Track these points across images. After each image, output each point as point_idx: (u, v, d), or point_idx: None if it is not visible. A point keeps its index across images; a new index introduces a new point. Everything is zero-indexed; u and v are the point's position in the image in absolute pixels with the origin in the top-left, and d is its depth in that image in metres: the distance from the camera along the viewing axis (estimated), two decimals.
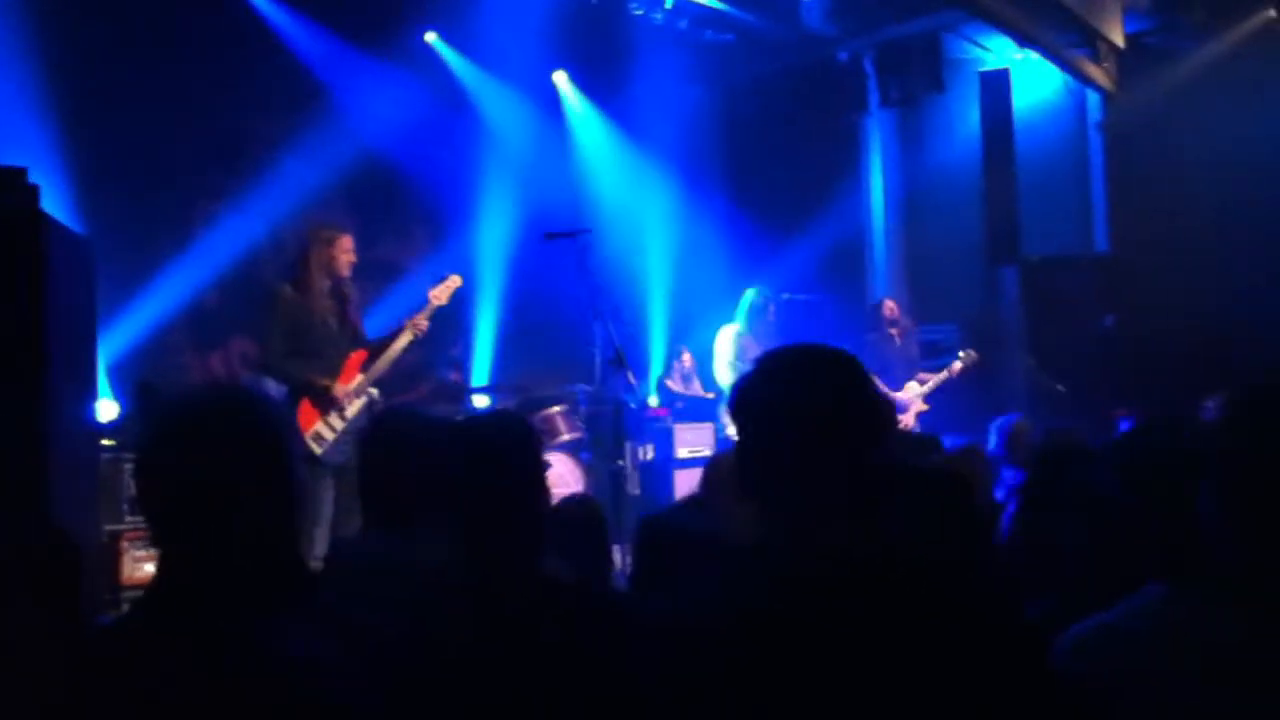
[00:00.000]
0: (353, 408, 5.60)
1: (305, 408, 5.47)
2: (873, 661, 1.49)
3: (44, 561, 1.91)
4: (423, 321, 5.78)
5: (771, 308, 7.77)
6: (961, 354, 8.19)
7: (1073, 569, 2.19)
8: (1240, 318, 8.12)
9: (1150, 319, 8.89)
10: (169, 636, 1.55)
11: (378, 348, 5.75)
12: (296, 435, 5.28)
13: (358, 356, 5.72)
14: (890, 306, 8.36)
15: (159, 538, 1.63)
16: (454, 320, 5.82)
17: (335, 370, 5.60)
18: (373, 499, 2.78)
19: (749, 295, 7.79)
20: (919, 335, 8.81)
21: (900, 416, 7.86)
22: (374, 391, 5.70)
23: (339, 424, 5.51)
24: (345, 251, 5.69)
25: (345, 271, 5.70)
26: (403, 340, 5.74)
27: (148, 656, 1.54)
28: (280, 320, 5.53)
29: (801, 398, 1.64)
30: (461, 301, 6.00)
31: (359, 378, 5.67)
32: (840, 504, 1.61)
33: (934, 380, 8.10)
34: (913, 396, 8.01)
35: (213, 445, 1.60)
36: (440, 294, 5.88)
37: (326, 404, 5.50)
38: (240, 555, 1.59)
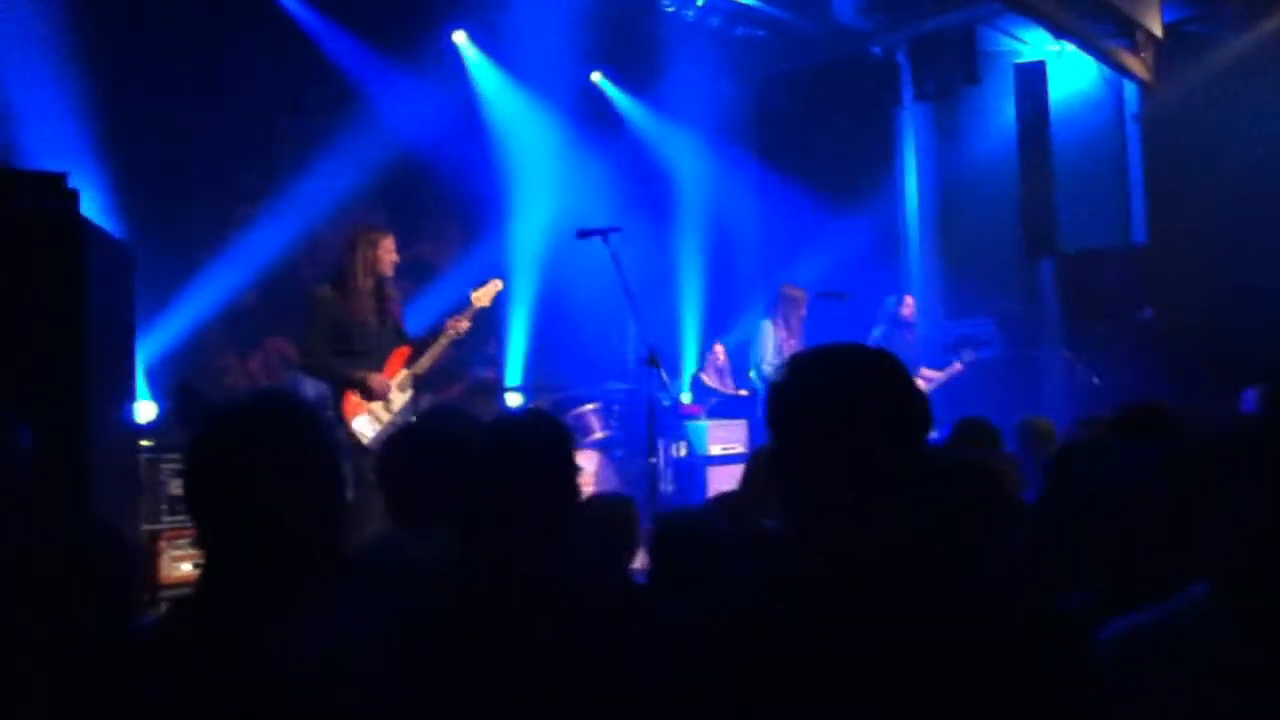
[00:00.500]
0: (398, 400, 5.65)
1: (350, 400, 5.53)
2: (903, 657, 1.49)
3: (95, 559, 1.95)
4: (464, 323, 5.82)
5: (804, 302, 7.74)
6: (963, 354, 8.29)
7: (1102, 562, 2.17)
8: (1276, 309, 8.00)
9: (1188, 311, 8.79)
10: (205, 637, 1.58)
11: (420, 345, 5.80)
12: (340, 432, 5.35)
13: (401, 353, 5.76)
14: (910, 304, 8.40)
15: (204, 538, 1.68)
16: (489, 318, 5.85)
17: (378, 368, 5.65)
18: (405, 497, 2.80)
19: (784, 291, 7.79)
20: (957, 328, 8.83)
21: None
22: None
23: (385, 415, 5.57)
24: (388, 252, 5.73)
25: (388, 271, 5.74)
26: (444, 341, 5.79)
27: (185, 657, 1.58)
28: (321, 322, 5.57)
29: (836, 397, 1.63)
30: (496, 300, 6.02)
31: (403, 372, 5.72)
32: (868, 500, 1.60)
33: (939, 377, 8.19)
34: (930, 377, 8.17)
35: (258, 448, 1.64)
36: (482, 296, 5.91)
37: (369, 394, 5.55)
38: (282, 556, 1.63)
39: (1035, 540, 2.59)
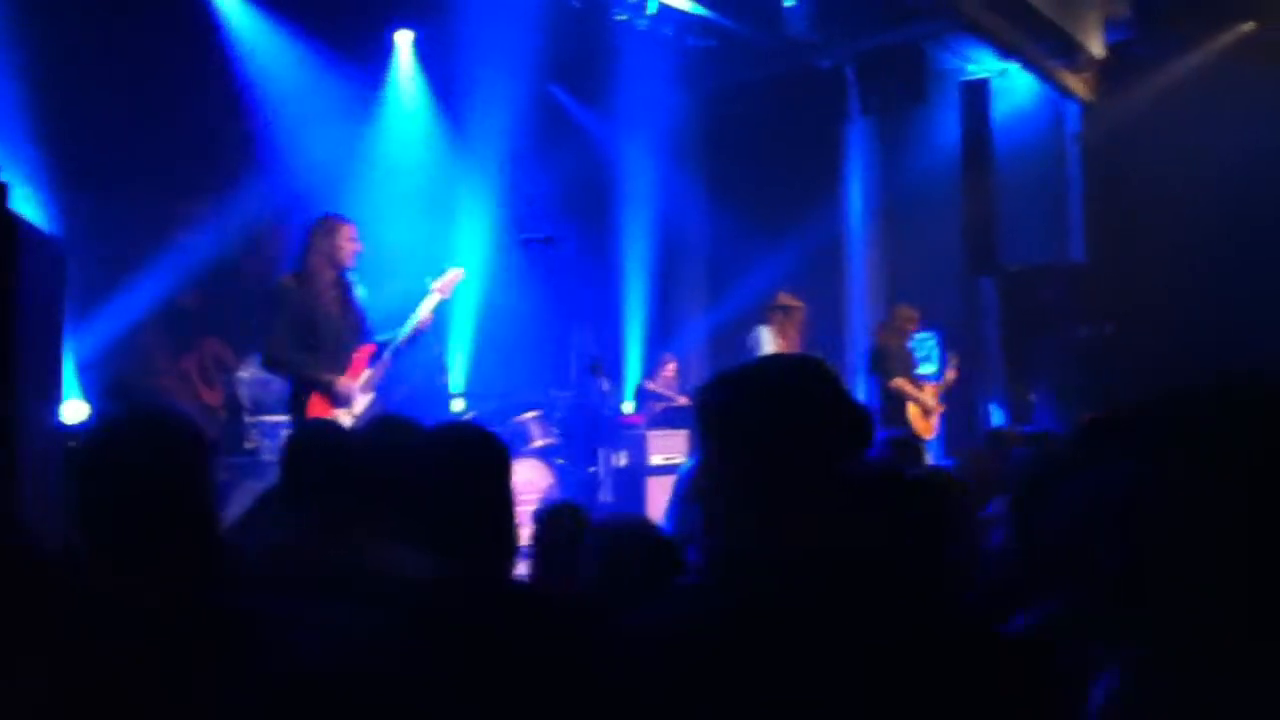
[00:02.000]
0: (361, 403, 5.54)
1: (315, 401, 5.41)
2: (841, 673, 1.48)
3: (12, 566, 1.95)
4: (426, 316, 5.71)
5: (802, 311, 7.69)
6: (952, 363, 8.36)
7: (1058, 576, 2.19)
8: (1216, 328, 8.17)
9: (1126, 328, 8.94)
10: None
11: (384, 340, 5.70)
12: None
13: (365, 350, 5.65)
14: (913, 316, 8.44)
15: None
16: (434, 322, 5.77)
17: (342, 364, 5.53)
18: (322, 502, 2.78)
19: (781, 300, 7.73)
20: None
21: (928, 419, 8.04)
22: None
23: (348, 420, 5.43)
24: (349, 240, 5.60)
25: (350, 261, 5.61)
26: (409, 334, 5.68)
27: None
28: (284, 314, 5.43)
29: (768, 407, 1.62)
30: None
31: (367, 372, 5.61)
32: (809, 513, 1.59)
33: (944, 382, 8.30)
34: (932, 398, 8.21)
35: (121, 467, 1.78)
36: (443, 286, 5.81)
37: (334, 399, 5.43)
38: (155, 560, 1.75)
39: (1001, 554, 2.61)
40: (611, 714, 1.68)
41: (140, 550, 1.73)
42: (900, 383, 8.06)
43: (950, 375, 8.42)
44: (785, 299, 7.78)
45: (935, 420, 8.14)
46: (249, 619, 1.76)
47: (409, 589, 2.17)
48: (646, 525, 2.91)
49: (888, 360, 8.10)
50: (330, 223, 5.64)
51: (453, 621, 2.00)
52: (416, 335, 5.74)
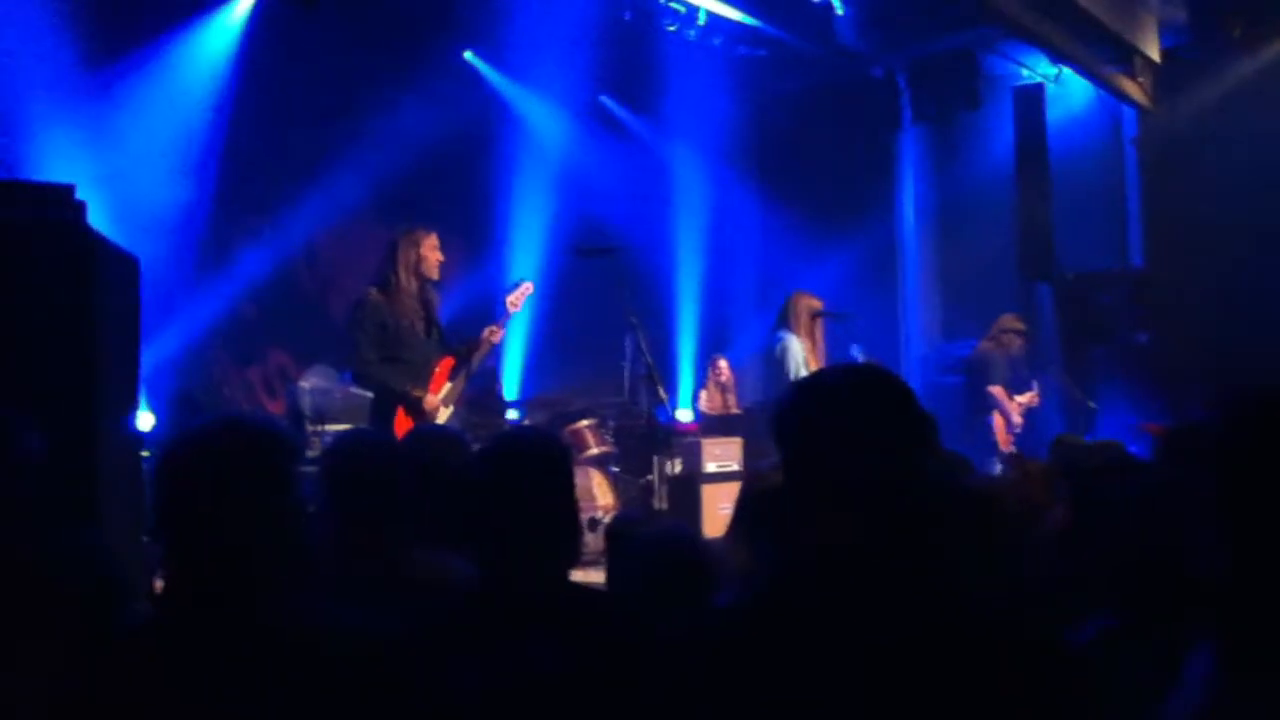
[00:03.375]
0: (443, 416, 5.61)
1: (400, 416, 5.47)
2: (877, 678, 1.51)
3: (90, 585, 2.04)
4: (500, 330, 5.75)
5: (821, 309, 7.45)
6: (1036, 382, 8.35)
7: (1122, 589, 2.18)
8: (1275, 333, 8.05)
9: (1185, 335, 8.83)
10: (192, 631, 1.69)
11: (463, 353, 5.76)
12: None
13: (446, 363, 5.71)
14: (1017, 325, 8.41)
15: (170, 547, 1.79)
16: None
17: (424, 376, 5.59)
18: (402, 513, 2.83)
19: (802, 301, 7.44)
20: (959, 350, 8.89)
21: (1010, 433, 8.01)
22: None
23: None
24: (432, 250, 5.65)
25: (433, 273, 5.67)
26: (483, 349, 5.74)
27: (174, 652, 1.69)
28: (368, 326, 5.49)
29: (843, 419, 1.65)
30: (494, 317, 5.97)
31: (448, 386, 5.68)
32: (880, 523, 1.62)
33: (1028, 397, 8.25)
34: (1018, 412, 8.16)
35: (216, 475, 1.76)
36: (515, 300, 5.83)
37: (419, 414, 5.49)
38: (240, 564, 1.75)
39: (1056, 566, 2.61)
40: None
41: (231, 556, 1.75)
42: (998, 390, 8.04)
43: (1034, 396, 8.38)
44: (807, 299, 7.46)
45: (1013, 436, 8.07)
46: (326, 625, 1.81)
47: (455, 593, 2.23)
48: (684, 541, 2.92)
49: (990, 367, 8.08)
50: (414, 233, 5.68)
51: (499, 625, 2.04)
52: (492, 349, 5.80)
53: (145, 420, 6.80)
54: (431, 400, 5.54)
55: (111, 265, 3.61)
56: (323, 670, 1.69)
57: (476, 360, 5.75)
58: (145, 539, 5.52)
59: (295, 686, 1.67)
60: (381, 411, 5.50)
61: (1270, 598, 1.36)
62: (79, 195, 3.52)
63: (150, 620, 1.87)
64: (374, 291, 5.58)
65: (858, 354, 7.50)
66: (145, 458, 5.92)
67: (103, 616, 1.98)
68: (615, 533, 3.32)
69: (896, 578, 1.59)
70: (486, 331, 5.74)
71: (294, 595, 1.80)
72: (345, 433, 3.47)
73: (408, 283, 5.57)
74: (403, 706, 1.81)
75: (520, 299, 5.85)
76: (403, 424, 5.45)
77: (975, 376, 8.19)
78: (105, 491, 3.20)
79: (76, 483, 2.95)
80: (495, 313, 5.88)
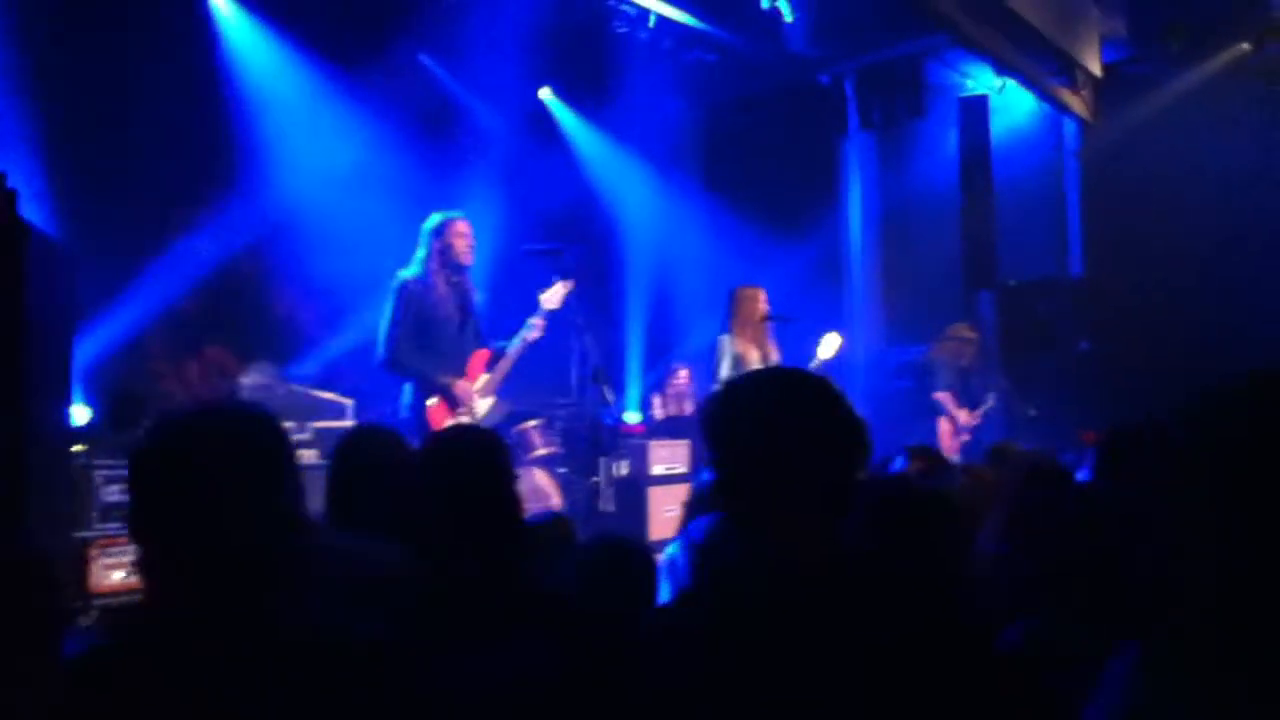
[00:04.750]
0: (482, 406, 5.57)
1: (435, 404, 5.43)
2: (835, 680, 1.50)
3: (15, 578, 1.91)
4: (538, 327, 5.70)
5: (761, 299, 7.39)
6: (992, 394, 8.45)
7: (1053, 590, 2.21)
8: (1215, 340, 8.21)
9: (1125, 342, 8.98)
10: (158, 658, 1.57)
11: (500, 349, 5.73)
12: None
13: (481, 355, 5.67)
14: (968, 336, 8.48)
15: (148, 555, 1.64)
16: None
17: (459, 366, 5.54)
18: (344, 507, 2.81)
19: (737, 295, 7.41)
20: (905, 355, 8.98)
21: (956, 439, 8.11)
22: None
23: (469, 422, 5.41)
24: (460, 235, 5.60)
25: (465, 258, 5.62)
26: (520, 347, 5.70)
27: (136, 681, 1.55)
28: (403, 312, 5.43)
29: (770, 421, 1.65)
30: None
31: (485, 377, 5.63)
32: (811, 524, 1.62)
33: (981, 409, 8.35)
34: (966, 421, 8.25)
35: (211, 460, 1.61)
36: (551, 298, 5.77)
37: (456, 402, 5.45)
38: (234, 572, 1.61)
39: (998, 569, 2.63)
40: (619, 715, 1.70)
41: (224, 558, 1.61)
42: (945, 396, 8.14)
43: (986, 407, 8.49)
44: (741, 291, 7.43)
45: (960, 442, 8.18)
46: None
47: (408, 585, 2.19)
48: (626, 549, 2.91)
49: (938, 372, 8.18)
50: (440, 220, 5.65)
51: (452, 618, 2.02)
52: (528, 346, 5.74)
53: (80, 414, 6.65)
54: (465, 387, 5.49)
55: (42, 256, 3.52)
56: (316, 678, 1.60)
57: (515, 355, 5.70)
58: (75, 536, 5.43)
59: (288, 696, 1.56)
60: (415, 401, 5.43)
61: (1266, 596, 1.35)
62: (9, 184, 3.43)
63: (127, 629, 1.72)
64: (409, 279, 5.52)
65: (812, 363, 7.48)
66: (79, 452, 5.82)
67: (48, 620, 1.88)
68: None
69: (872, 575, 1.60)
70: (526, 329, 5.70)
71: (291, 598, 1.68)
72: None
73: (440, 271, 5.53)
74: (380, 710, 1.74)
75: (556, 297, 5.76)
76: (439, 414, 5.41)
77: (922, 381, 8.29)
78: (35, 490, 3.12)
79: (4, 481, 2.87)
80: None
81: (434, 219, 5.67)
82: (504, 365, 5.71)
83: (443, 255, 5.55)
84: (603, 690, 1.82)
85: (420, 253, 5.59)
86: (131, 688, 1.52)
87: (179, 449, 1.64)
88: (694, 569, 2.70)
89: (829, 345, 7.32)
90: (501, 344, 5.77)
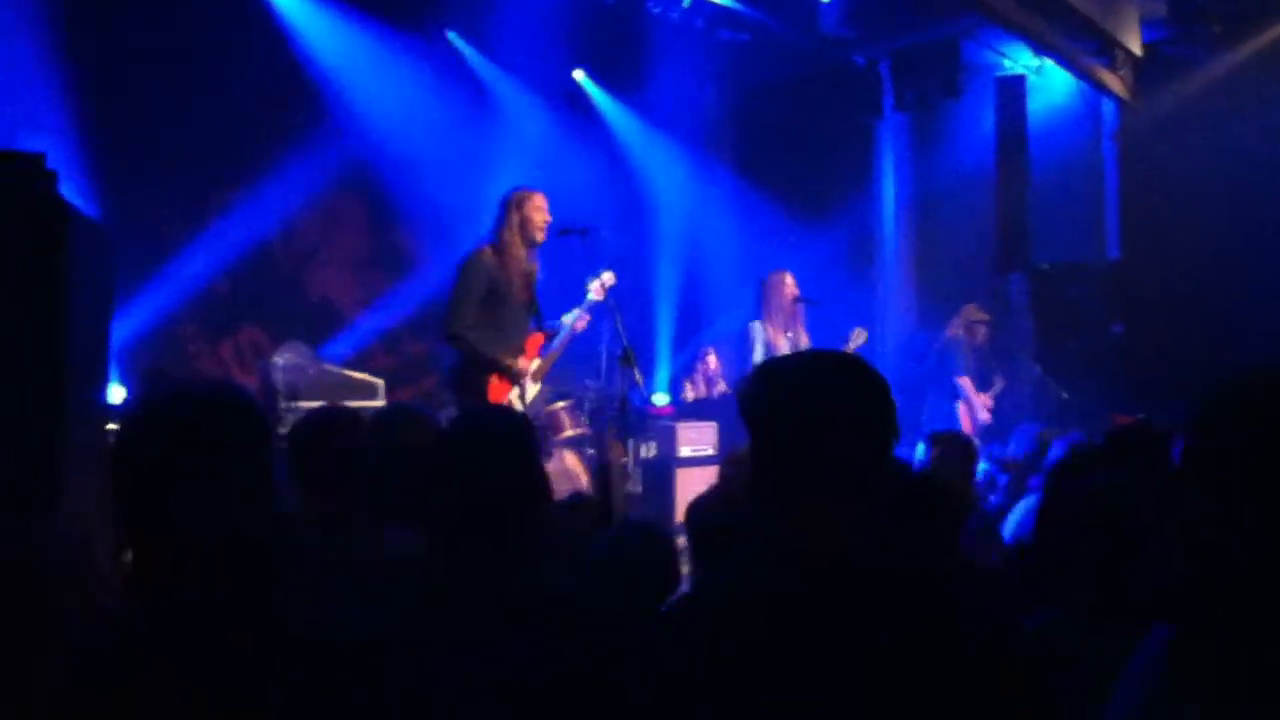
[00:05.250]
0: (530, 391, 5.59)
1: (494, 382, 5.43)
2: (833, 677, 1.51)
3: (50, 568, 1.92)
4: (585, 318, 5.73)
5: (791, 285, 7.40)
6: (999, 378, 8.43)
7: (1078, 579, 2.20)
8: (1249, 327, 8.11)
9: (1159, 327, 8.89)
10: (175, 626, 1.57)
11: (549, 336, 5.74)
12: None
13: (536, 338, 5.68)
14: (984, 316, 8.45)
15: (133, 525, 1.61)
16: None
17: (518, 347, 5.54)
18: (375, 489, 2.83)
19: (767, 281, 7.46)
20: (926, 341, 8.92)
21: (975, 425, 8.08)
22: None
23: (518, 406, 5.45)
24: (538, 210, 5.59)
25: (540, 234, 5.59)
26: (566, 338, 5.72)
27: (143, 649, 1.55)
28: (475, 284, 5.40)
29: (808, 403, 1.64)
30: None
31: (536, 361, 5.65)
32: (843, 509, 1.62)
33: (992, 391, 8.32)
34: (983, 405, 8.21)
35: (191, 442, 1.58)
36: (597, 289, 5.76)
37: (513, 380, 5.46)
38: (214, 545, 1.58)
39: (1019, 559, 2.62)
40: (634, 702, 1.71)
41: (199, 539, 1.58)
42: (965, 381, 8.11)
43: (996, 389, 8.45)
44: (770, 276, 7.47)
45: (980, 425, 8.15)
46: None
47: (425, 580, 2.19)
48: (652, 536, 2.92)
49: (955, 356, 8.15)
50: (520, 194, 5.63)
51: (469, 607, 2.02)
52: (574, 335, 5.77)
53: (116, 394, 6.73)
54: (525, 365, 5.50)
55: (83, 237, 3.55)
56: (313, 674, 1.57)
57: (561, 346, 5.72)
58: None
59: (286, 691, 1.55)
60: (472, 377, 5.41)
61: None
62: (49, 165, 3.46)
63: (118, 613, 1.72)
64: (488, 250, 5.49)
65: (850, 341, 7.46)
66: (114, 431, 5.89)
67: (67, 607, 1.89)
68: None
69: (880, 569, 1.59)
70: (572, 319, 5.71)
71: (270, 588, 1.64)
72: (317, 409, 3.44)
73: (515, 245, 5.50)
74: (381, 706, 1.73)
75: (602, 289, 5.75)
76: (496, 392, 5.41)
77: (941, 365, 8.25)
78: (73, 467, 3.15)
79: (43, 457, 2.91)
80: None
81: (514, 192, 5.65)
82: (553, 354, 5.71)
83: (521, 229, 5.52)
84: (603, 690, 1.82)
85: (498, 225, 5.55)
86: (129, 680, 1.52)
87: (142, 433, 1.61)
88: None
89: (856, 340, 7.32)
90: (554, 323, 5.77)
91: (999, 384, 8.49)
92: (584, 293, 5.76)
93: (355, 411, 3.13)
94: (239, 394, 1.72)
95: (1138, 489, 2.24)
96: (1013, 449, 5.50)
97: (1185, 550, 1.47)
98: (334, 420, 2.98)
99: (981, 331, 8.40)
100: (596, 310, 5.85)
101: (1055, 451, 4.69)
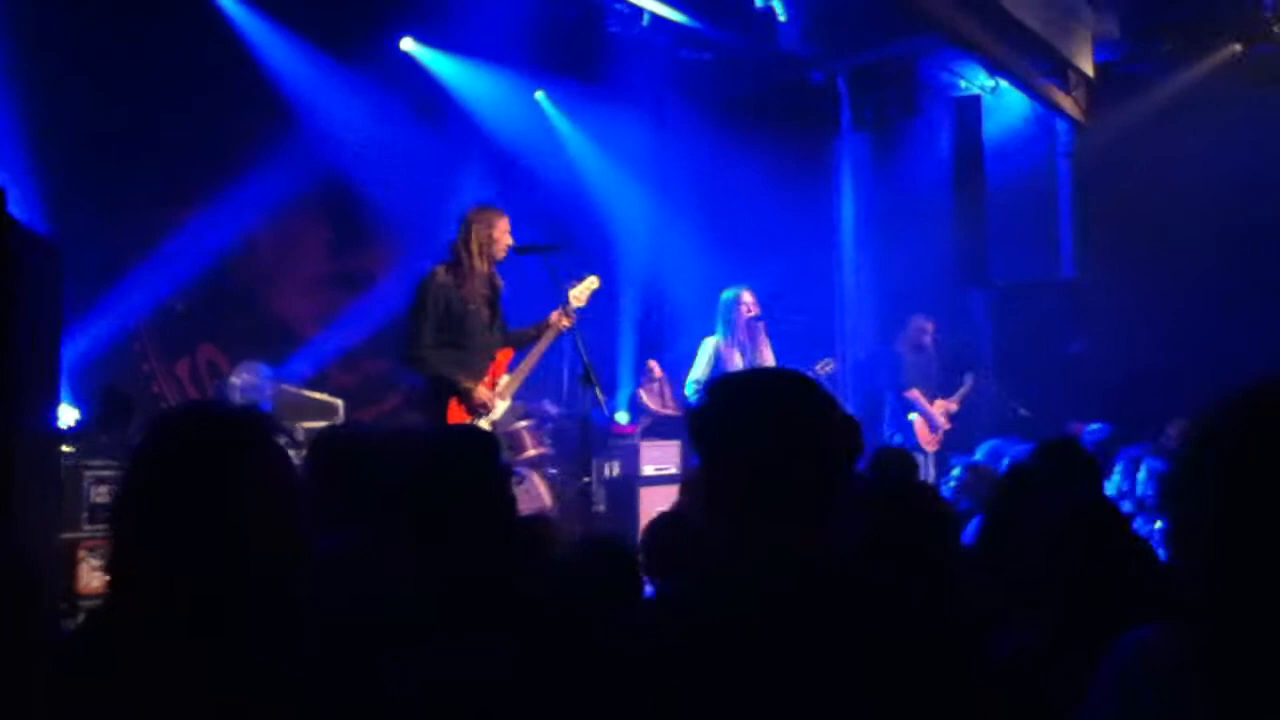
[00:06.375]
0: (499, 410, 5.50)
1: (454, 406, 5.34)
2: (815, 679, 1.49)
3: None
4: (565, 322, 5.62)
5: (748, 303, 7.34)
6: (969, 375, 8.46)
7: (1038, 597, 2.20)
8: (1204, 344, 8.22)
9: (1115, 344, 8.99)
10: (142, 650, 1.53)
11: (528, 337, 5.66)
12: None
13: (505, 355, 5.60)
14: (927, 326, 8.49)
15: (129, 547, 1.58)
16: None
17: (482, 366, 5.46)
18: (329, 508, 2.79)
19: (724, 298, 7.41)
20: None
21: (934, 434, 8.04)
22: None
23: (486, 427, 5.33)
24: (504, 233, 5.52)
25: (502, 255, 5.53)
26: (545, 343, 5.63)
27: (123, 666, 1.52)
28: (432, 305, 5.33)
29: (753, 423, 1.64)
30: None
31: (506, 378, 5.57)
32: (795, 528, 1.61)
33: (957, 396, 8.36)
34: (941, 413, 8.24)
35: (213, 465, 1.56)
36: (580, 294, 5.71)
37: (472, 405, 5.36)
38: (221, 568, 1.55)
39: (972, 576, 2.62)
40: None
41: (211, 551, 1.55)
42: (915, 393, 8.16)
43: (964, 390, 8.50)
44: (728, 292, 7.42)
45: (940, 435, 8.20)
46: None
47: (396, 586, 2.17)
48: (613, 547, 2.90)
49: (905, 371, 8.19)
50: (486, 213, 5.57)
51: (444, 624, 2.00)
52: (559, 336, 5.69)
53: (68, 415, 6.62)
54: (485, 393, 5.40)
55: (31, 254, 3.49)
56: (285, 696, 1.56)
57: (542, 346, 5.63)
58: (63, 537, 5.40)
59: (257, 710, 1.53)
60: (432, 402, 5.35)
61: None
62: None
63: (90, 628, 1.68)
64: (442, 270, 5.43)
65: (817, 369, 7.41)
66: (68, 453, 5.79)
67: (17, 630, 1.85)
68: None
69: (842, 579, 1.58)
70: (554, 316, 5.61)
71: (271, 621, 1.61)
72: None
73: (478, 264, 5.44)
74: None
75: (584, 294, 5.72)
76: (455, 415, 5.32)
77: (892, 380, 8.32)
78: (21, 490, 3.09)
79: None
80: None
81: (479, 210, 5.60)
82: (526, 365, 5.65)
83: (483, 248, 5.47)
84: (573, 692, 1.81)
85: (457, 244, 5.50)
86: (103, 694, 1.49)
87: (155, 449, 1.59)
88: None
89: (823, 370, 7.37)
90: (530, 330, 5.71)
91: (969, 381, 8.53)
92: (564, 300, 5.67)
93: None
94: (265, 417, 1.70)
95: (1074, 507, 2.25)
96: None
97: (1175, 561, 1.48)
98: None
99: (928, 329, 8.47)
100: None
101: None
